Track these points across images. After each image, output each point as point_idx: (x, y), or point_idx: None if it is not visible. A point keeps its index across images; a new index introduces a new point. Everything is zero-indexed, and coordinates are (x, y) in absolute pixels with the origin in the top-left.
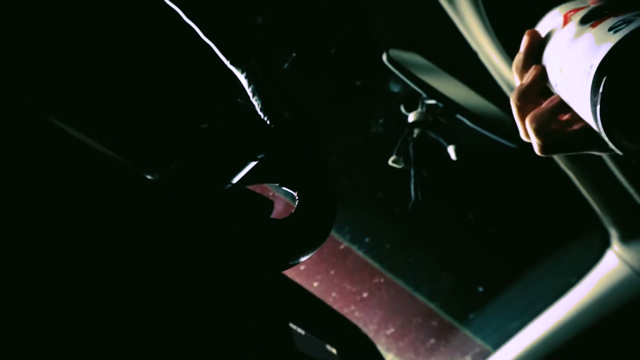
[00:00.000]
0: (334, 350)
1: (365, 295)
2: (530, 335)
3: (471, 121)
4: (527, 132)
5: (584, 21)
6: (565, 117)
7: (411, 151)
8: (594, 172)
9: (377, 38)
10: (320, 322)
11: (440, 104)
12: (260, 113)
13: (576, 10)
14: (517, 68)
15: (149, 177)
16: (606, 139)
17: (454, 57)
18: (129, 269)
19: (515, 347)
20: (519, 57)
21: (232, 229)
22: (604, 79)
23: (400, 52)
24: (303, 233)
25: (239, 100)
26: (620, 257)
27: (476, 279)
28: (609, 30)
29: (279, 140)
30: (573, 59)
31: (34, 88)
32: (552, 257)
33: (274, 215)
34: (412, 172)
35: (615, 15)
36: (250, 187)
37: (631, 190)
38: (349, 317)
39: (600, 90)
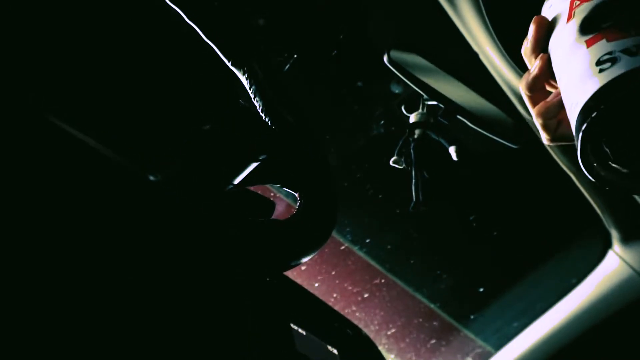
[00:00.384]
0: (334, 351)
1: (366, 295)
2: (532, 336)
3: (472, 122)
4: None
5: (583, 29)
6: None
7: (412, 152)
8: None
9: (377, 39)
10: (321, 323)
11: (441, 105)
12: (261, 114)
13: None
14: (525, 54)
15: (149, 177)
16: (581, 166)
17: (455, 58)
18: (129, 269)
19: (517, 348)
20: (527, 44)
21: (233, 230)
22: (583, 127)
23: (401, 53)
24: (305, 234)
25: (240, 101)
26: (621, 257)
27: (477, 279)
28: (597, 64)
29: (280, 142)
30: (568, 74)
31: (34, 88)
32: (553, 258)
33: (275, 216)
34: (413, 173)
35: (611, 33)
36: (252, 188)
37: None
38: (350, 317)
39: (580, 136)
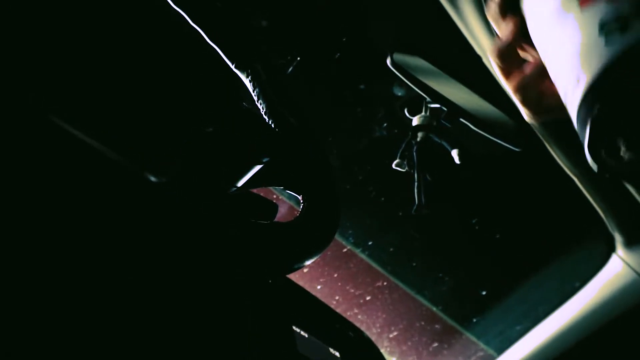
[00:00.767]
0: (336, 353)
1: (368, 298)
2: (534, 340)
3: (475, 125)
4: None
5: None
6: (549, 83)
7: (415, 155)
8: (597, 176)
9: (380, 42)
10: (323, 325)
11: (444, 108)
12: (264, 117)
13: None
14: (492, 16)
15: (150, 178)
16: (587, 156)
17: (458, 60)
18: (130, 270)
19: (519, 351)
20: (493, 4)
21: (235, 231)
22: (593, 111)
23: (404, 56)
24: (307, 237)
25: (243, 104)
26: (624, 261)
27: (479, 282)
28: (600, 29)
29: (283, 144)
30: (556, 42)
31: (34, 88)
32: (555, 261)
33: (277, 218)
34: (415, 176)
35: None
36: (255, 190)
37: (636, 194)
38: (352, 320)
39: (588, 121)
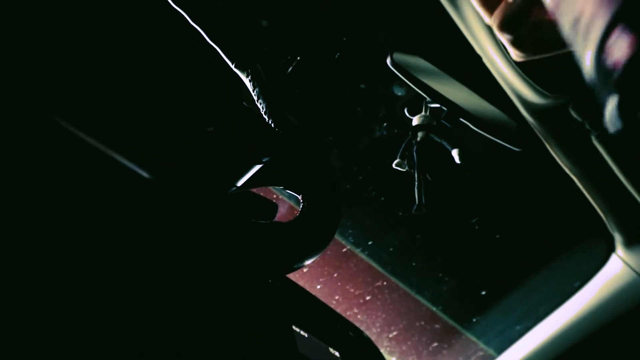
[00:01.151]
0: (336, 353)
1: (368, 298)
2: (534, 340)
3: (475, 125)
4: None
5: None
6: (541, 13)
7: (415, 154)
8: (598, 176)
9: (381, 42)
10: (323, 325)
11: (444, 108)
12: (264, 116)
13: None
14: None
15: (150, 178)
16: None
17: (458, 60)
18: (130, 270)
19: (519, 351)
20: None
21: (235, 231)
22: (626, 62)
23: (404, 55)
24: (307, 236)
25: (243, 103)
26: (624, 261)
27: (479, 282)
28: None
29: (283, 143)
30: None
31: (34, 88)
32: (555, 261)
33: (277, 218)
34: (415, 176)
35: None
36: (255, 190)
37: (635, 194)
38: (352, 320)
39: (623, 67)
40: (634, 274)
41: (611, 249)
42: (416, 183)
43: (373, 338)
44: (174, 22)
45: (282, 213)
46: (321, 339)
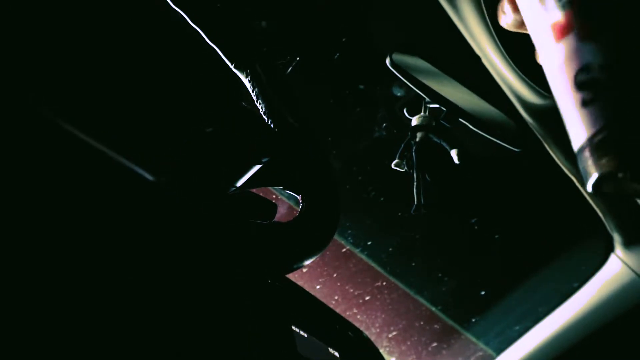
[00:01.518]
0: (336, 353)
1: (367, 298)
2: (533, 340)
3: (474, 125)
4: None
5: None
6: None
7: (414, 155)
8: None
9: (380, 42)
10: (323, 325)
11: (443, 108)
12: (264, 116)
13: None
14: None
15: (150, 178)
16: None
17: (457, 61)
18: (130, 269)
19: (518, 351)
20: None
21: (235, 231)
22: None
23: (404, 56)
24: (307, 236)
25: (243, 104)
26: (623, 261)
27: (479, 282)
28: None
29: (282, 144)
30: (540, 32)
31: (34, 88)
32: (554, 261)
33: (277, 218)
34: (414, 176)
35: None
36: (254, 190)
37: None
38: (351, 320)
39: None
40: (633, 274)
41: (610, 249)
42: (415, 183)
43: (372, 338)
44: (174, 23)
45: (282, 213)
46: (321, 339)
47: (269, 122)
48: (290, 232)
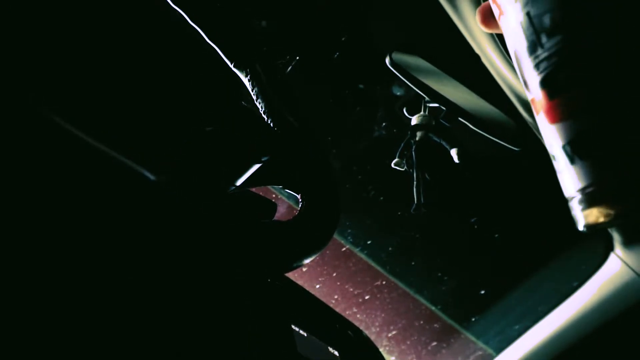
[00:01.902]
0: (335, 353)
1: (367, 297)
2: (533, 339)
3: (474, 124)
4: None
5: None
6: None
7: (414, 154)
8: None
9: (379, 41)
10: (322, 324)
11: (443, 107)
12: (264, 116)
13: None
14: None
15: (150, 177)
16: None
17: (457, 60)
18: (129, 269)
19: (518, 350)
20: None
21: (234, 230)
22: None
23: (403, 55)
24: (306, 235)
25: (242, 103)
26: (623, 260)
27: (478, 282)
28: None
29: (282, 143)
30: (523, 51)
31: (34, 88)
32: (554, 260)
33: (277, 217)
34: (414, 175)
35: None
36: (254, 189)
37: None
38: (351, 319)
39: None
40: (632, 274)
41: (610, 248)
42: (415, 183)
43: (372, 337)
44: (174, 22)
45: (281, 212)
46: (320, 338)
47: (269, 122)
48: (290, 230)
